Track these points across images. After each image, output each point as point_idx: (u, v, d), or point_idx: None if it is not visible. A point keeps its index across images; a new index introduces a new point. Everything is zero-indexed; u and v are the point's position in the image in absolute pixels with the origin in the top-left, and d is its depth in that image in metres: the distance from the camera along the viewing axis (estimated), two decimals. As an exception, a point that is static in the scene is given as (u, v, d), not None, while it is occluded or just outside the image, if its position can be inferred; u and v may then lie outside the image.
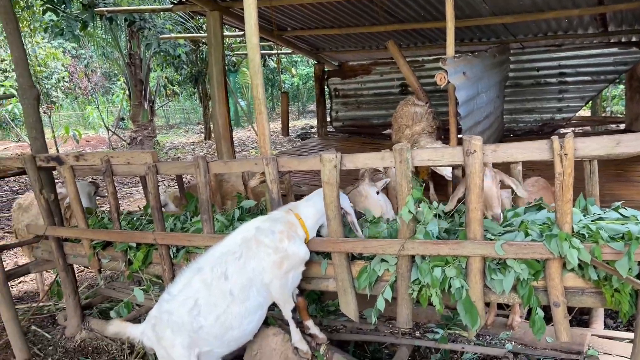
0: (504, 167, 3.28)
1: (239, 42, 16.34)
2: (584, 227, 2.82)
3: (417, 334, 3.94)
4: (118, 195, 4.42)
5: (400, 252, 3.11)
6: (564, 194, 2.70)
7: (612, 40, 8.76)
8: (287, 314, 3.41)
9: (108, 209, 4.47)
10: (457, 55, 4.67)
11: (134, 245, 4.26)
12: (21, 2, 11.01)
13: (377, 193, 3.81)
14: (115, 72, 25.19)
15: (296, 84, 28.59)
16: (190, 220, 4.25)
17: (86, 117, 24.44)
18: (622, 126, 9.65)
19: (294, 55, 20.62)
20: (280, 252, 3.19)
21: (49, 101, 22.59)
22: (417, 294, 3.13)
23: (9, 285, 4.75)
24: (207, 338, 3.08)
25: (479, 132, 5.71)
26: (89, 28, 10.67)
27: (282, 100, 11.10)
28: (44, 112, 16.26)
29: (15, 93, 8.00)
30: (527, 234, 2.91)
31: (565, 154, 2.63)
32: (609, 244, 2.68)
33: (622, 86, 16.06)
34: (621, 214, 3.00)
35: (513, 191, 3.40)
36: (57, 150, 14.34)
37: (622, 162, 6.23)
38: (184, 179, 5.41)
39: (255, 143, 17.57)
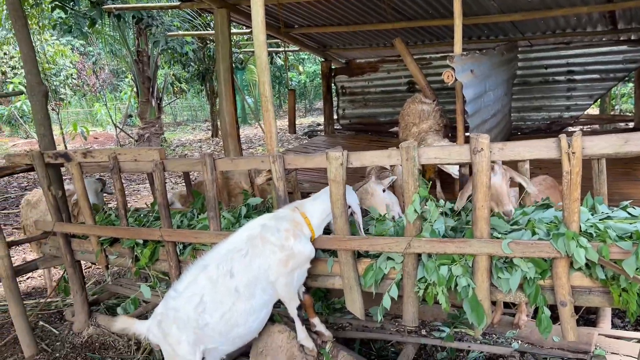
0: (512, 166, 3.26)
1: (247, 40, 16.35)
2: (591, 226, 2.80)
3: (423, 332, 3.94)
4: (125, 192, 4.44)
5: (406, 250, 3.10)
6: (572, 193, 2.68)
7: (621, 38, 8.69)
8: (293, 312, 3.41)
9: (115, 205, 4.49)
10: (464, 52, 4.65)
11: (141, 242, 4.27)
12: (30, 0, 11.06)
13: (384, 191, 3.80)
14: (123, 69, 25.33)
15: (303, 81, 28.56)
16: (197, 217, 4.26)
17: (94, 114, 24.61)
18: (631, 124, 9.57)
19: (301, 53, 20.59)
20: (285, 250, 3.19)
21: (57, 98, 22.71)
22: (423, 292, 3.12)
23: (18, 280, 4.79)
24: (213, 335, 3.09)
25: (486, 130, 5.69)
26: (97, 25, 10.71)
27: (289, 97, 11.08)
28: (52, 109, 16.35)
29: (24, 90, 8.04)
30: (534, 233, 2.90)
31: (573, 153, 2.61)
32: (617, 243, 2.66)
33: (631, 84, 15.94)
34: (629, 213, 2.98)
35: (520, 190, 3.38)
36: (65, 147, 14.43)
37: (631, 161, 6.18)
38: (191, 176, 5.42)
39: (262, 140, 17.57)
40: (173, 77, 21.89)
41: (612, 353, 3.45)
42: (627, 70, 8.78)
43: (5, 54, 23.25)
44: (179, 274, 3.97)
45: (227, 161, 3.83)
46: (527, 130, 9.55)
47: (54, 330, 5.15)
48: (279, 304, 3.44)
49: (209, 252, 3.31)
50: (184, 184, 5.36)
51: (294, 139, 17.04)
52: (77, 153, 4.34)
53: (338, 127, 11.48)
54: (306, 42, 9.91)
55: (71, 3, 9.45)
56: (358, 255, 3.42)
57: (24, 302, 4.90)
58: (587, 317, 4.32)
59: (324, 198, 3.43)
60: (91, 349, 4.73)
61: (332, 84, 11.19)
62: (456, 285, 3.00)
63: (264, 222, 3.32)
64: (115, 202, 4.42)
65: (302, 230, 3.31)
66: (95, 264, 5.67)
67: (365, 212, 3.67)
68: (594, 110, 14.37)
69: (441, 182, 5.69)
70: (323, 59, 11.11)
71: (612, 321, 4.08)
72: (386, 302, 3.22)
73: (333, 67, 11.08)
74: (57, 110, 16.45)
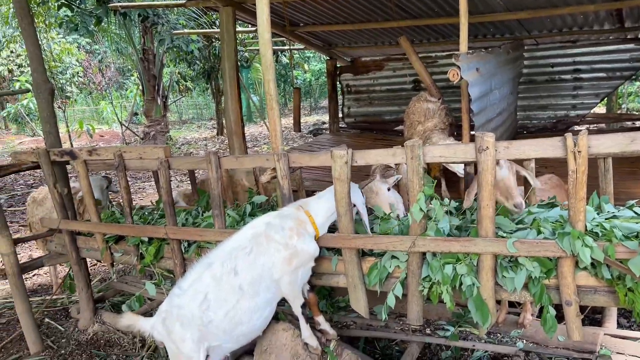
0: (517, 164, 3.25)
1: (252, 38, 16.35)
2: (597, 225, 2.78)
3: (428, 331, 3.94)
4: (131, 190, 4.45)
5: (411, 249, 3.10)
6: (578, 192, 2.67)
7: (628, 37, 8.62)
8: (297, 310, 3.41)
9: (121, 202, 4.51)
10: (470, 51, 4.63)
11: (146, 239, 4.29)
12: (36, -2, 11.12)
13: (389, 189, 3.80)
14: (129, 67, 25.42)
15: (308, 79, 28.53)
16: (202, 215, 4.27)
17: (100, 112, 24.67)
18: (638, 123, 9.51)
19: (306, 51, 20.60)
20: (290, 248, 3.20)
21: (63, 96, 22.83)
22: (427, 291, 3.12)
23: (24, 278, 4.81)
24: (217, 332, 3.10)
25: (492, 128, 5.67)
26: (103, 23, 10.72)
27: (294, 96, 11.08)
28: (58, 107, 16.43)
29: (30, 88, 8.08)
30: (539, 232, 2.89)
31: (579, 151, 2.60)
32: (623, 242, 2.65)
33: (638, 83, 15.87)
34: (636, 212, 2.96)
35: (525, 188, 3.37)
36: (71, 145, 14.48)
37: (637, 160, 6.14)
38: (196, 174, 5.44)
39: (267, 139, 17.58)
40: (178, 75, 21.91)
41: (618, 353, 3.43)
42: (634, 68, 8.72)
43: (12, 52, 23.33)
44: (183, 271, 3.98)
45: (232, 159, 3.83)
46: (532, 129, 9.50)
47: (59, 327, 5.17)
48: (283, 301, 3.45)
49: (213, 250, 3.32)
50: (189, 182, 5.36)
51: (299, 137, 17.04)
52: (83, 151, 4.36)
53: (343, 126, 11.47)
54: (311, 40, 9.90)
55: (77, 1, 9.49)
56: (362, 254, 3.42)
57: (30, 299, 4.92)
58: (593, 316, 4.30)
59: (328, 197, 3.43)
60: (96, 346, 4.76)
61: (338, 82, 11.18)
62: (461, 284, 3.00)
63: (268, 220, 3.32)
64: (121, 200, 4.43)
65: (306, 229, 3.31)
66: (100, 262, 5.71)
67: (369, 211, 3.67)
68: (600, 109, 14.29)
69: (446, 181, 5.68)
70: (328, 57, 11.09)
71: (617, 321, 4.06)
72: (390, 301, 3.22)
73: (338, 65, 11.06)
74: (63, 108, 16.54)
